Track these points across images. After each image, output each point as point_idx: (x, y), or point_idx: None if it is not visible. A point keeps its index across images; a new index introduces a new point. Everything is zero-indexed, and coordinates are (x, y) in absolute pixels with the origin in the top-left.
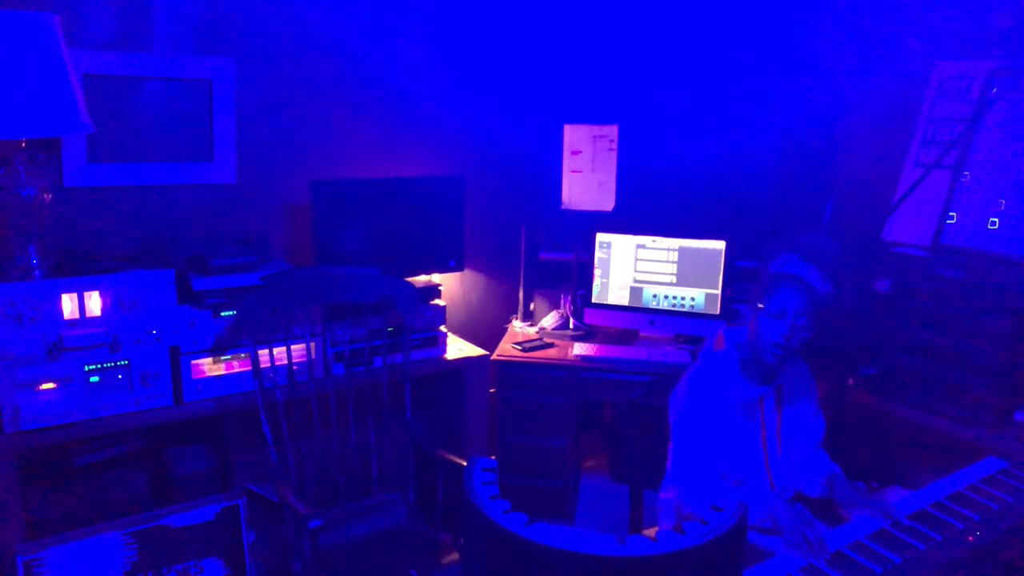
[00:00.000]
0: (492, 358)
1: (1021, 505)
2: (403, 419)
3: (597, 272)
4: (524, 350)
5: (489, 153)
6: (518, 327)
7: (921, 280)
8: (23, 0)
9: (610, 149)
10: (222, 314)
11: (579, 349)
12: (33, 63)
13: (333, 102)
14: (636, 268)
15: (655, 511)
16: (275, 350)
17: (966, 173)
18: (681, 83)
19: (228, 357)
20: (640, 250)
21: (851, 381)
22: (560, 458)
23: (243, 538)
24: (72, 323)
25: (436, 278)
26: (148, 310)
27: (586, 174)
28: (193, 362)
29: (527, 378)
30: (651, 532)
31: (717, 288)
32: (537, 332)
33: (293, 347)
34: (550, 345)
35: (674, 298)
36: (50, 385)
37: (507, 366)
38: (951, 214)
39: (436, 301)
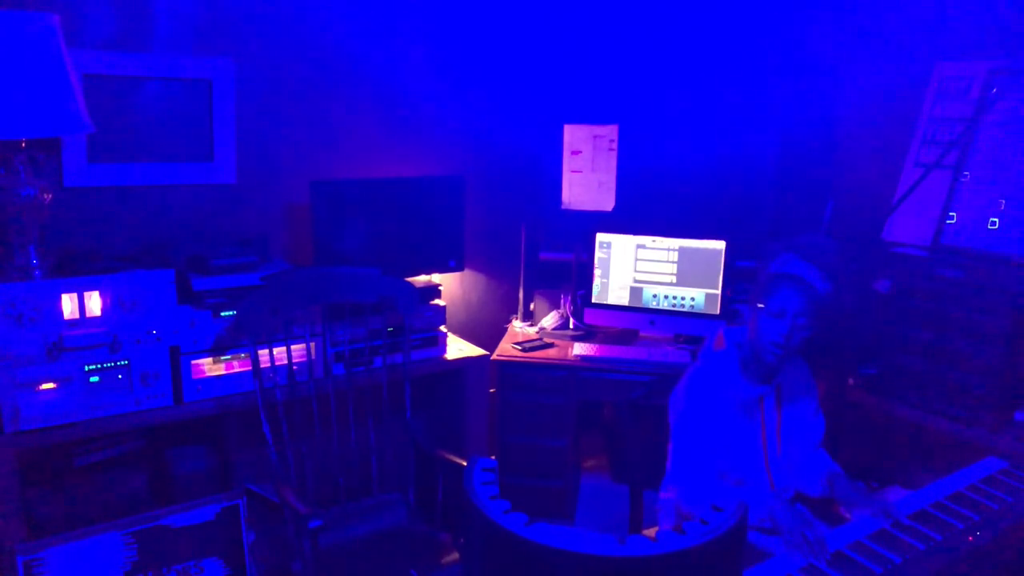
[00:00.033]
0: (492, 358)
1: (1021, 505)
2: (403, 419)
3: (597, 272)
4: (524, 350)
5: (489, 153)
6: (518, 327)
7: (921, 280)
8: (23, 0)
9: (610, 149)
10: (222, 314)
11: (579, 349)
12: (33, 63)
13: (333, 102)
14: (636, 268)
15: (655, 511)
16: (275, 350)
17: (966, 173)
18: (681, 83)
19: (228, 357)
20: (640, 250)
21: (851, 381)
22: (560, 458)
23: (243, 538)
24: (72, 323)
25: (436, 278)
26: (148, 310)
27: (586, 174)
28: (193, 362)
29: (527, 378)
30: (651, 532)
31: (717, 288)
32: (537, 332)
33: (293, 347)
34: (550, 345)
35: (674, 298)
36: (50, 385)
37: (507, 366)
38: (951, 214)
39: (436, 301)
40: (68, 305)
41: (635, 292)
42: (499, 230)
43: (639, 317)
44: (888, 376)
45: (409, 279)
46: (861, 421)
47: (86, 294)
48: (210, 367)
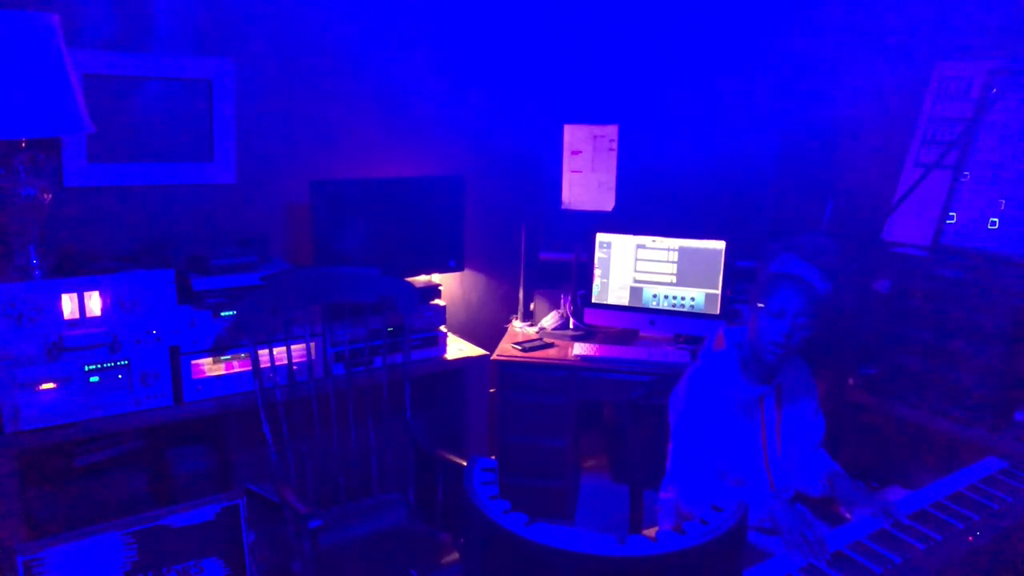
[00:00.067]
0: (492, 358)
1: (1021, 505)
2: (403, 419)
3: (597, 272)
4: (524, 350)
5: (489, 153)
6: (518, 327)
7: (921, 280)
8: (23, 0)
9: (610, 149)
10: (222, 314)
11: (579, 349)
12: (33, 63)
13: (333, 102)
14: (636, 268)
15: (655, 511)
16: (275, 350)
17: (966, 173)
18: (681, 83)
19: (228, 357)
20: (640, 250)
21: (851, 381)
22: (560, 458)
23: (243, 538)
24: (72, 323)
25: (436, 278)
26: (148, 310)
27: (586, 174)
28: (193, 362)
29: (527, 378)
30: (651, 532)
31: (717, 288)
32: (537, 332)
33: (293, 347)
34: (550, 345)
35: (674, 298)
36: (50, 385)
37: (507, 366)
38: (951, 214)
39: (436, 301)
40: (68, 305)
41: (635, 292)
42: (499, 230)
43: (639, 317)
44: (888, 376)
45: (409, 279)
46: (861, 421)
47: (86, 294)
48: (210, 367)
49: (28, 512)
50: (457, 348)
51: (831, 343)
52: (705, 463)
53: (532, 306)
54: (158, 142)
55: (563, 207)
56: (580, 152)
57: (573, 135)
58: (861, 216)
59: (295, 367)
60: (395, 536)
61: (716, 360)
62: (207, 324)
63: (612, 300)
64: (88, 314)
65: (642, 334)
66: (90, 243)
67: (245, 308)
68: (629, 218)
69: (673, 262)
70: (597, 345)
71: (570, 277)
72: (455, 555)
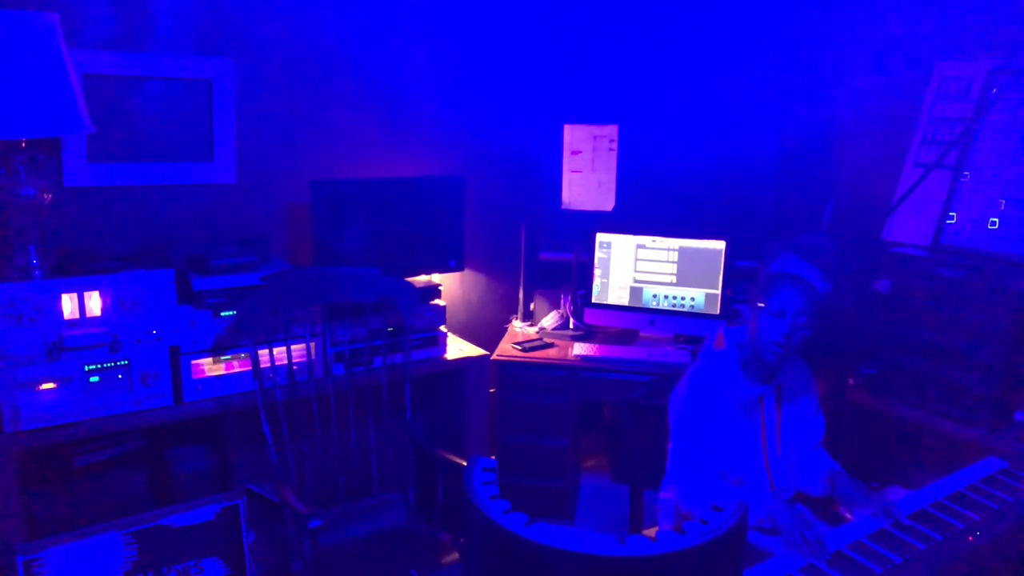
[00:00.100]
0: (492, 358)
1: (1021, 505)
2: (403, 419)
3: (597, 272)
4: (524, 350)
5: (489, 153)
6: (518, 327)
7: (921, 280)
8: (23, 0)
9: (610, 149)
10: (222, 314)
11: (579, 349)
12: (33, 63)
13: (333, 102)
14: (636, 268)
15: (655, 511)
16: (275, 350)
17: (966, 173)
18: (681, 83)
19: (228, 357)
20: (640, 250)
21: (851, 381)
22: (560, 458)
23: (243, 538)
24: (72, 323)
25: (436, 278)
26: (148, 310)
27: (586, 174)
28: (193, 362)
29: (527, 378)
30: (651, 532)
31: (717, 288)
32: (537, 332)
33: (293, 347)
34: (550, 345)
35: (674, 298)
36: (50, 385)
37: (507, 366)
38: (951, 214)
39: (436, 301)
40: (68, 305)
41: (635, 292)
42: (499, 230)
43: (639, 317)
44: (888, 376)
45: (409, 279)
46: (861, 421)
47: (86, 294)
48: (210, 367)
49: (28, 512)
50: (457, 348)
51: (831, 343)
52: (705, 463)
53: (532, 306)
54: (158, 142)
55: (563, 207)
56: (580, 152)
57: (573, 135)
58: (861, 216)
59: (295, 367)
60: (395, 536)
61: (716, 360)
62: (207, 324)
63: (612, 300)
64: (88, 314)
65: (642, 334)
66: (90, 243)
67: (245, 308)
68: (629, 218)
69: (673, 262)
70: (597, 345)
71: (570, 277)
72: (455, 555)
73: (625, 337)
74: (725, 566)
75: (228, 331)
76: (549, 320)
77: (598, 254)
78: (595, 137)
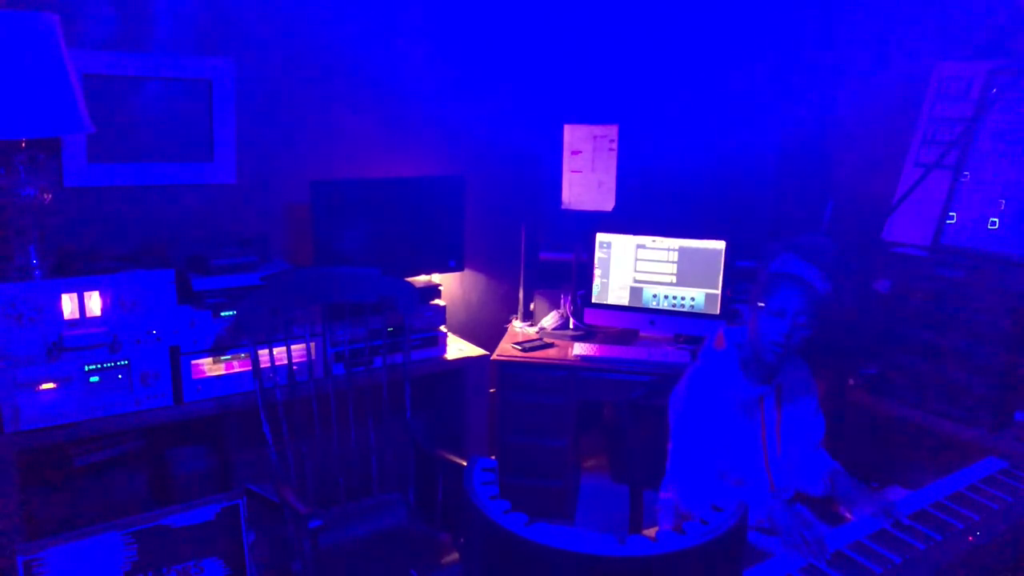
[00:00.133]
0: (492, 358)
1: (1021, 505)
2: (403, 419)
3: (597, 272)
4: (524, 350)
5: (489, 153)
6: (518, 327)
7: (921, 280)
8: (23, 0)
9: (610, 149)
10: (222, 314)
11: (579, 349)
12: (33, 63)
13: (333, 102)
14: (636, 268)
15: (655, 511)
16: (275, 350)
17: (966, 173)
18: (681, 83)
19: (228, 357)
20: (640, 250)
21: (851, 381)
22: (560, 458)
23: (243, 538)
24: (72, 323)
25: (436, 278)
26: (148, 310)
27: (586, 174)
28: (193, 362)
29: (527, 378)
30: (651, 532)
31: (717, 288)
32: (537, 332)
33: (293, 347)
34: (550, 345)
35: (674, 298)
36: (50, 385)
37: (507, 366)
38: (951, 214)
39: (436, 301)
40: (68, 305)
41: (635, 292)
42: (499, 230)
43: (639, 317)
44: (888, 376)
45: (409, 279)
46: (861, 421)
47: (86, 294)
48: (210, 367)
49: (28, 512)
50: (457, 348)
51: (831, 343)
52: (705, 463)
53: (532, 306)
54: (158, 142)
55: (563, 207)
56: (580, 152)
57: (573, 135)
58: (861, 216)
59: (295, 367)
60: (395, 536)
61: (716, 360)
62: (207, 324)
63: (612, 300)
64: (88, 314)
65: (642, 334)
66: (90, 243)
67: (245, 308)
68: (629, 218)
69: (673, 262)
70: (597, 345)
71: (570, 277)
72: (455, 555)
73: (625, 337)
74: (725, 566)
75: (228, 331)
76: (549, 320)
77: (598, 254)
78: (595, 137)
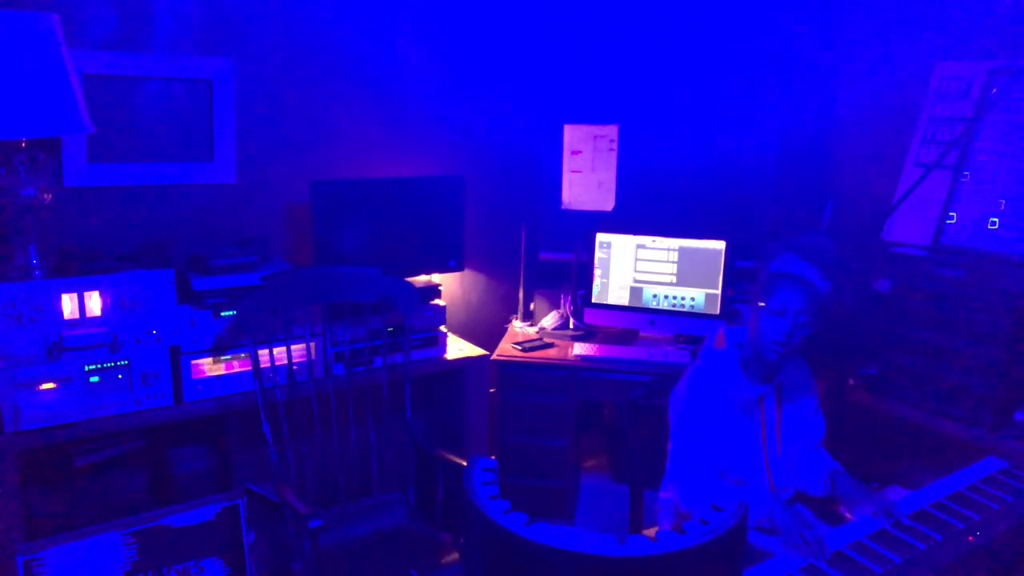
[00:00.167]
0: (492, 358)
1: (1021, 505)
2: (403, 419)
3: (597, 272)
4: (524, 350)
5: (489, 153)
6: (518, 327)
7: (921, 280)
8: (23, 0)
9: (610, 149)
10: (222, 314)
11: (579, 349)
12: (33, 63)
13: (333, 102)
14: (636, 268)
15: (655, 511)
16: (275, 350)
17: (966, 173)
18: (681, 83)
19: (228, 357)
20: (640, 250)
21: (851, 381)
22: (560, 458)
23: (243, 538)
24: (72, 323)
25: (436, 278)
26: (148, 310)
27: (586, 174)
28: (193, 362)
29: (527, 378)
30: (651, 532)
31: (717, 288)
32: (537, 332)
33: (293, 347)
34: (550, 345)
35: (674, 298)
36: (50, 385)
37: (507, 366)
38: (951, 214)
39: (436, 301)
40: (68, 305)
41: (635, 292)
42: (499, 230)
43: (639, 317)
44: (888, 376)
45: (409, 279)
46: (861, 421)
47: (86, 294)
48: (210, 367)
49: (28, 512)
50: (457, 348)
51: (831, 343)
52: (705, 463)
53: (532, 306)
54: (158, 142)
55: (563, 207)
56: (580, 152)
57: (573, 135)
58: (861, 216)
59: (295, 367)
60: (395, 536)
61: (716, 360)
62: (207, 324)
63: (612, 300)
64: (88, 314)
65: (642, 334)
66: (90, 243)
67: (245, 308)
68: (629, 218)
69: (673, 262)
70: (597, 345)
71: (570, 277)
72: (455, 555)
73: (625, 337)
74: (725, 566)
75: (228, 331)
76: (549, 320)
77: (598, 254)
78: (595, 137)
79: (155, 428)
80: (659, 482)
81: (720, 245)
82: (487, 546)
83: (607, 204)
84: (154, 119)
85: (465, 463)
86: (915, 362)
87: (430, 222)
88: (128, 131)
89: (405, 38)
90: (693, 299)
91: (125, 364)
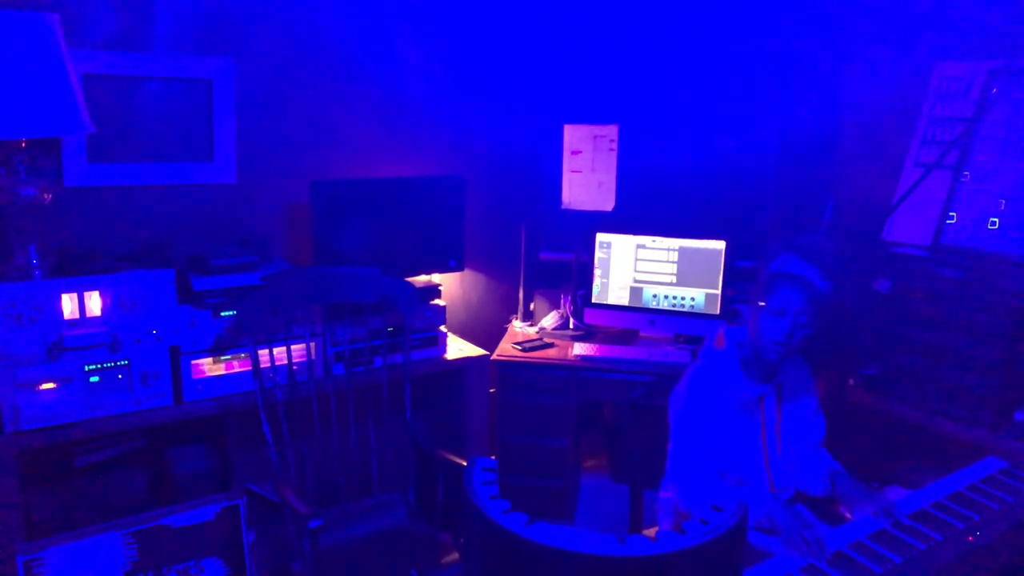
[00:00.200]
0: (492, 358)
1: (1021, 505)
2: (403, 419)
3: (597, 272)
4: (524, 350)
5: (489, 153)
6: (518, 327)
7: (921, 280)
8: (23, 0)
9: (610, 149)
10: (222, 314)
11: (579, 349)
12: (33, 63)
13: (333, 102)
14: (636, 268)
15: (655, 511)
16: (275, 350)
17: (966, 173)
18: (681, 83)
19: (228, 357)
20: (640, 250)
21: (851, 381)
22: (560, 458)
23: (243, 538)
24: (72, 323)
25: (436, 278)
26: (148, 310)
27: (586, 174)
28: (193, 362)
29: (527, 378)
30: (651, 532)
31: (717, 288)
32: (537, 332)
33: (293, 347)
34: (550, 345)
35: (674, 298)
36: (50, 385)
37: (507, 366)
38: (951, 214)
39: (436, 301)
40: (68, 305)
41: (635, 292)
42: (499, 230)
43: (639, 317)
44: (888, 376)
45: (409, 279)
46: (861, 421)
47: (86, 294)
48: (210, 367)
49: (28, 512)
50: (457, 348)
51: (831, 343)
52: (705, 463)
53: (532, 306)
54: (158, 142)
55: (563, 207)
56: (580, 152)
57: (573, 135)
58: (861, 216)
59: (295, 367)
60: (395, 536)
61: (716, 359)
62: (207, 324)
63: (612, 300)
64: (88, 314)
65: (642, 334)
66: (90, 243)
67: (245, 308)
68: (629, 218)
69: (673, 262)
70: (597, 345)
71: (570, 277)
72: (455, 555)
73: (625, 337)
74: (725, 566)
75: (228, 331)
76: (549, 320)
77: (598, 254)
78: (595, 137)
79: (155, 428)
80: (659, 482)
81: (720, 245)
82: (487, 546)
83: (607, 204)
84: (154, 119)
85: (465, 463)
86: (915, 362)
87: (430, 222)
88: (128, 131)
89: (405, 38)
90: (693, 299)
91: (125, 364)
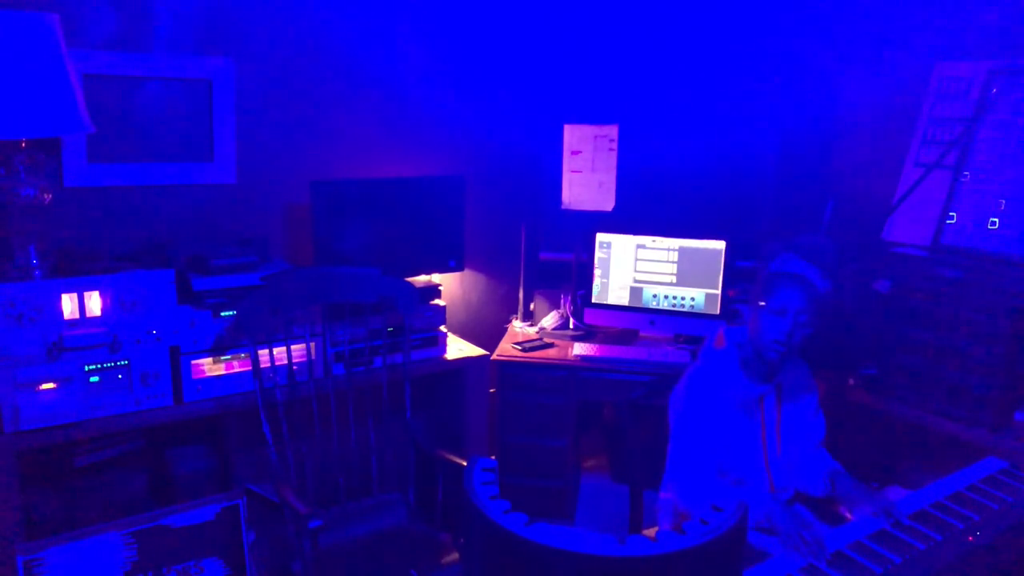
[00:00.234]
0: (492, 358)
1: (1021, 505)
2: (403, 419)
3: (597, 272)
4: (524, 350)
5: (489, 153)
6: (518, 327)
7: (921, 280)
8: (23, 0)
9: (610, 149)
10: (222, 314)
11: (579, 349)
12: (33, 63)
13: (333, 102)
14: (636, 268)
15: (655, 511)
16: (275, 350)
17: (966, 173)
18: (681, 83)
19: (228, 357)
20: (640, 250)
21: (851, 381)
22: (560, 458)
23: (243, 538)
24: (72, 323)
25: (436, 278)
26: (148, 310)
27: (586, 174)
28: (193, 362)
29: (527, 378)
30: (651, 532)
31: (717, 288)
32: (537, 332)
33: (293, 347)
34: (550, 345)
35: (674, 298)
36: (50, 385)
37: (507, 366)
38: (951, 214)
39: (436, 301)
40: (68, 305)
41: (635, 292)
42: (499, 230)
43: (639, 317)
44: (888, 376)
45: (409, 279)
46: (861, 421)
47: (86, 294)
48: (210, 367)
49: (28, 512)
50: (457, 348)
51: (831, 343)
52: (705, 463)
53: (532, 306)
54: (158, 142)
55: (563, 207)
56: (580, 152)
57: (573, 135)
58: (861, 216)
59: (295, 367)
60: (395, 536)
61: (716, 359)
62: (207, 324)
63: (612, 300)
64: (88, 314)
65: (642, 334)
66: (90, 243)
67: (245, 308)
68: (629, 218)
69: (673, 262)
70: (597, 345)
71: (570, 277)
72: (455, 555)
73: (625, 337)
74: (725, 566)
75: (228, 331)
76: (549, 320)
77: (598, 254)
78: (595, 137)
79: (155, 428)
80: (659, 482)
81: (720, 245)
82: (487, 546)
83: (607, 204)
84: (154, 119)
85: (465, 463)
86: (915, 362)
87: (430, 222)
88: (128, 131)
89: (405, 38)
90: (693, 299)
91: (125, 364)
